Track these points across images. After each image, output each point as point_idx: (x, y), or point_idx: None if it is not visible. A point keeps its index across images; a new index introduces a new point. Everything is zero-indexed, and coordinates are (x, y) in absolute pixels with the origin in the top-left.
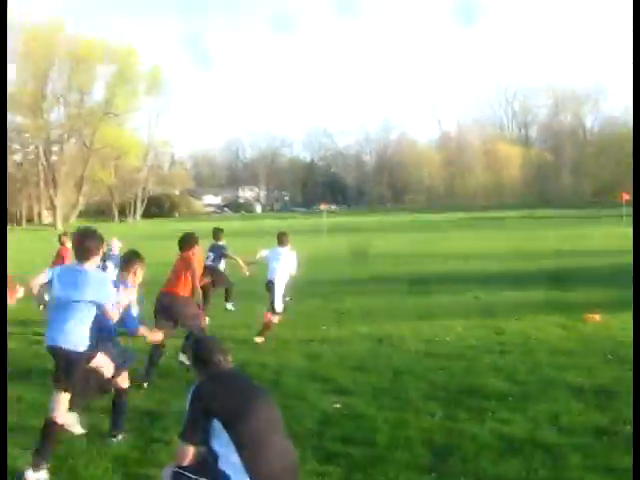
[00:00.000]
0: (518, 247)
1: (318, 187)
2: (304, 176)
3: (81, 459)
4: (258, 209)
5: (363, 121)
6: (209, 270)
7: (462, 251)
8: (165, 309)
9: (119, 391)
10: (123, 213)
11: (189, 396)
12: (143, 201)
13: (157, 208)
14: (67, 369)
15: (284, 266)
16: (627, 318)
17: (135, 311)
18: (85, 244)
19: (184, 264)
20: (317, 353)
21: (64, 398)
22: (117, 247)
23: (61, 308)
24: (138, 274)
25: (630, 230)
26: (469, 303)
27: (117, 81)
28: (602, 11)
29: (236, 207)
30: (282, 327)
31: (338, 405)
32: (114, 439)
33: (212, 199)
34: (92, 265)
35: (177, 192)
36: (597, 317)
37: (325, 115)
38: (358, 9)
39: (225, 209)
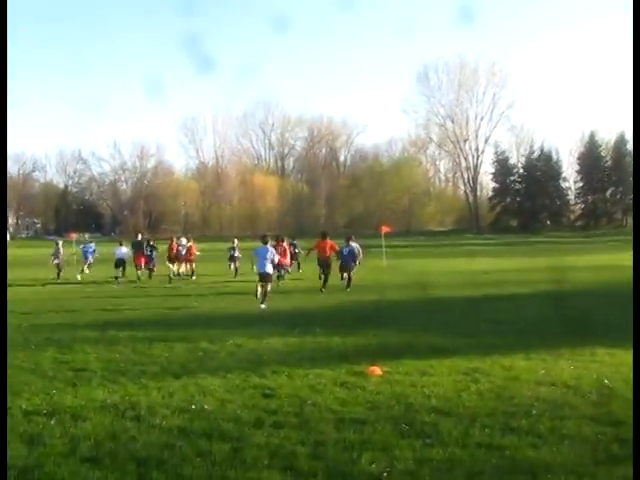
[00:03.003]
0: None
1: (72, 214)
2: (57, 203)
3: None
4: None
5: (119, 148)
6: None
7: (217, 289)
8: (324, 263)
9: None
10: None
11: None
12: None
13: None
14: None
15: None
16: (409, 368)
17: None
18: (266, 239)
19: (325, 244)
20: (41, 434)
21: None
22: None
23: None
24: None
25: (392, 262)
26: (229, 352)
27: None
28: (367, 45)
29: None
30: None
31: None
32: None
33: None
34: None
35: None
36: (378, 370)
37: (79, 140)
38: None
39: None
